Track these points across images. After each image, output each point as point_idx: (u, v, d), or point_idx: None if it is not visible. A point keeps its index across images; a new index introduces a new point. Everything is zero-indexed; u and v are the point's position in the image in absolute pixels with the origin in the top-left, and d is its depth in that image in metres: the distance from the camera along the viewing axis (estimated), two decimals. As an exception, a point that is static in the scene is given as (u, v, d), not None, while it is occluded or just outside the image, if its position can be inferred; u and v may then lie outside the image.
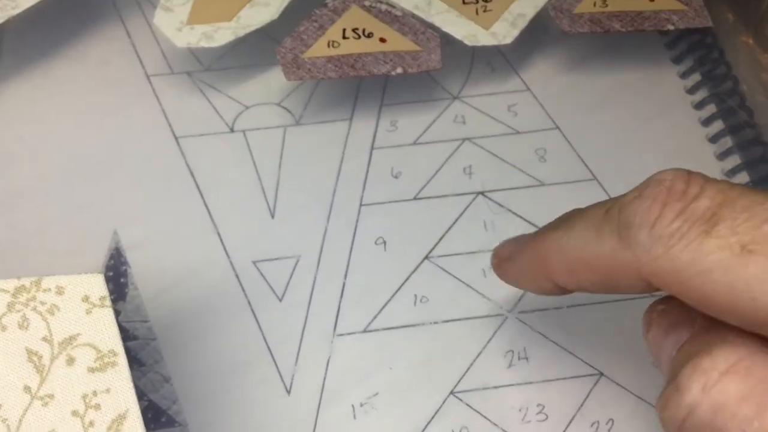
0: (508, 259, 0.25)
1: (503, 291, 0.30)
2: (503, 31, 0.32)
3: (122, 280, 0.30)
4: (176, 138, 0.33)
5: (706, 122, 0.34)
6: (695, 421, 0.18)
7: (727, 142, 0.33)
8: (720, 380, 0.18)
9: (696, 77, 0.35)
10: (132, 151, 0.33)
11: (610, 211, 0.20)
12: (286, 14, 0.33)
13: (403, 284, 0.30)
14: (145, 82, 0.34)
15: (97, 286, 0.23)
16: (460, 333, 0.29)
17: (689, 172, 0.20)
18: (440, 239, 0.31)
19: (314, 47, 0.31)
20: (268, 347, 0.29)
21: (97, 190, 0.32)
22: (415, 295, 0.30)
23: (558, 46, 0.36)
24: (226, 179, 0.32)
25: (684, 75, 0.35)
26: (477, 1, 0.32)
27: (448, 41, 0.33)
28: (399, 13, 0.32)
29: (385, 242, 0.31)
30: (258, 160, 0.33)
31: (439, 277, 0.30)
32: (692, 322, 0.21)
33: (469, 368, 0.28)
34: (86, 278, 0.23)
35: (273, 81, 0.35)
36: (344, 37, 0.32)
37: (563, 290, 0.23)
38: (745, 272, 0.18)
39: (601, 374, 0.28)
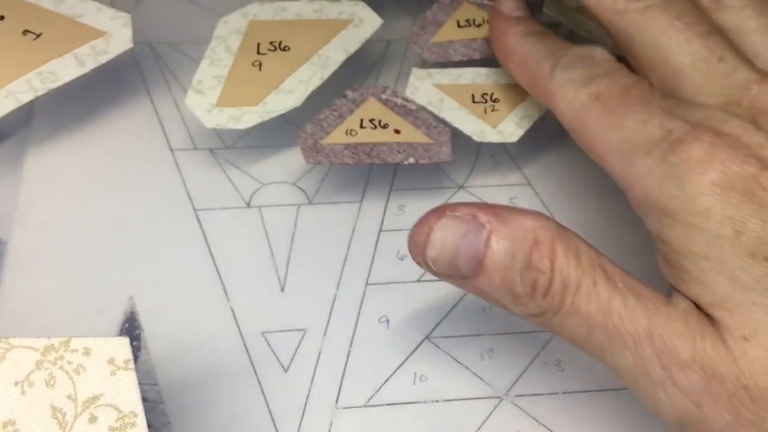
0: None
1: (499, 374, 0.31)
2: (509, 130, 0.34)
3: (135, 343, 0.31)
4: (195, 210, 0.35)
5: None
6: None
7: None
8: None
9: (686, 181, 0.37)
10: (153, 220, 0.35)
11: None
12: (308, 102, 0.35)
13: (403, 362, 0.31)
14: (169, 156, 0.37)
15: (122, 349, 0.24)
16: (456, 413, 0.30)
17: None
18: (441, 321, 0.33)
19: (333, 134, 0.34)
20: (272, 417, 0.30)
21: (117, 256, 0.33)
22: (415, 373, 0.31)
23: (559, 145, 0.38)
24: (240, 252, 0.34)
25: (675, 179, 0.38)
26: (486, 101, 0.35)
27: (454, 133, 0.35)
28: (413, 108, 0.35)
29: (388, 321, 0.32)
30: (271, 236, 0.34)
31: (438, 357, 0.32)
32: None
33: (464, 448, 0.29)
34: (113, 341, 0.24)
35: (289, 161, 0.37)
36: (362, 127, 0.34)
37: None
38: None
39: (590, 461, 0.29)
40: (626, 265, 0.25)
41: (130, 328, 0.32)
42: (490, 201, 0.36)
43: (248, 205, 0.35)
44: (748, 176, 0.23)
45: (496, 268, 0.24)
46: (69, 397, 0.23)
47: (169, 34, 0.40)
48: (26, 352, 0.24)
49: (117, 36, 0.35)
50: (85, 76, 0.35)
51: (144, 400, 0.30)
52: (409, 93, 0.35)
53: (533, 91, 0.31)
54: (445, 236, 0.25)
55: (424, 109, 0.35)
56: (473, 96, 0.35)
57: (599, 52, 0.29)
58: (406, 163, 0.33)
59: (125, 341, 0.24)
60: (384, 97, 0.35)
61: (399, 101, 0.35)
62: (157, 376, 0.31)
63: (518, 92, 0.35)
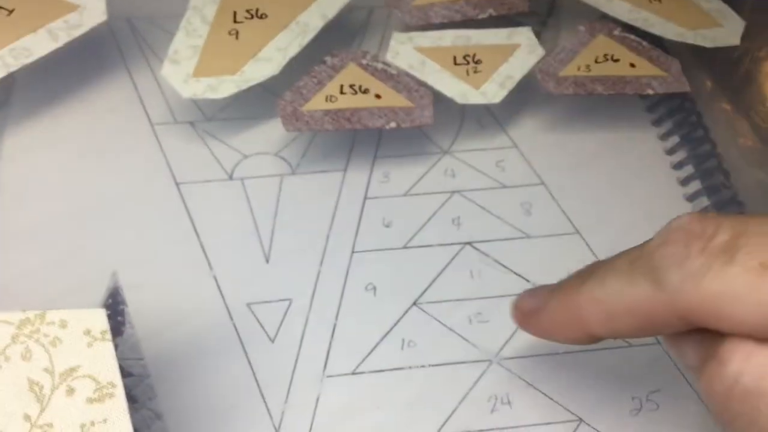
0: (534, 313, 0.26)
1: (487, 338, 0.31)
2: (492, 91, 0.34)
3: (119, 318, 0.31)
4: (177, 184, 0.34)
5: (685, 182, 0.35)
6: (741, 388, 0.20)
7: (704, 201, 0.35)
8: (760, 347, 0.20)
9: (675, 139, 0.37)
10: (135, 195, 0.34)
11: (638, 260, 0.22)
12: (287, 70, 0.35)
13: (391, 329, 0.31)
14: (149, 130, 0.36)
15: (99, 320, 0.24)
16: (445, 377, 0.30)
17: (702, 215, 0.22)
18: (428, 286, 0.32)
19: (313, 101, 0.33)
20: (259, 387, 0.30)
21: (100, 231, 0.33)
22: (403, 340, 0.31)
23: (544, 106, 0.37)
24: (223, 224, 0.33)
25: (663, 137, 0.37)
26: (468, 63, 0.34)
27: (439, 99, 0.34)
28: (394, 72, 0.34)
29: (375, 288, 0.32)
30: (255, 207, 0.34)
31: (426, 322, 0.31)
32: None
33: (453, 412, 0.29)
34: (89, 313, 0.24)
35: (272, 132, 0.36)
36: (341, 93, 0.33)
37: (596, 339, 0.25)
38: None
39: (581, 420, 0.29)
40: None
41: (114, 303, 0.31)
42: (476, 165, 0.36)
43: (231, 177, 0.35)
44: None
45: None
46: (46, 369, 0.23)
47: (147, 8, 0.40)
48: (1, 326, 0.23)
49: (90, 9, 0.35)
50: (62, 51, 0.34)
51: (129, 374, 0.30)
52: (390, 57, 0.35)
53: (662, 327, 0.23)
54: None
55: (405, 73, 0.34)
56: (455, 58, 0.35)
57: (686, 220, 0.22)
58: (387, 127, 0.33)
59: (102, 312, 0.24)
60: (364, 62, 0.34)
61: (379, 66, 0.34)
62: (143, 349, 0.30)
63: (501, 53, 0.35)
